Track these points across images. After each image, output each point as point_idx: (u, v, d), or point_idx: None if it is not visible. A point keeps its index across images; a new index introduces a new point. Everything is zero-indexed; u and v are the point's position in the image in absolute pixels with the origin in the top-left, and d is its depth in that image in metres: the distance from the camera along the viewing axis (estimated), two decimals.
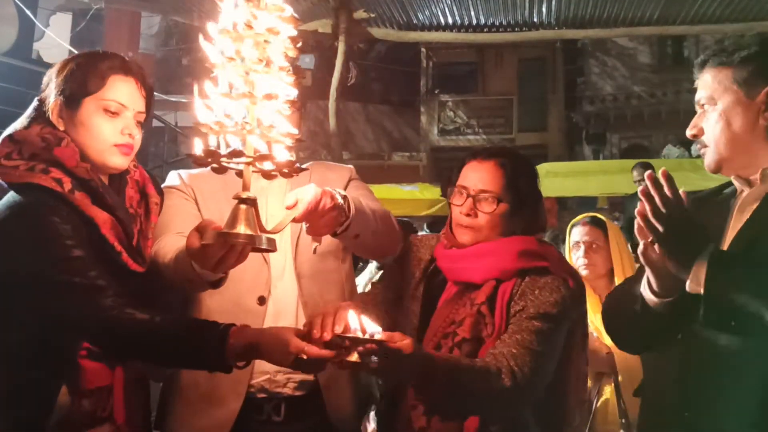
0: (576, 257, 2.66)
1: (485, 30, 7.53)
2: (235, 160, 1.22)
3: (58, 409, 1.54)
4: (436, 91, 14.79)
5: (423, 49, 14.22)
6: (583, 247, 2.61)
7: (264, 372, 1.73)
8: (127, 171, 1.63)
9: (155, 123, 8.01)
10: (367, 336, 1.34)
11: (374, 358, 1.35)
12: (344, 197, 1.52)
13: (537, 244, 1.69)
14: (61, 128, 1.52)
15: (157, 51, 8.97)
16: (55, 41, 7.89)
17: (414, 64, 14.74)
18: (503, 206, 1.67)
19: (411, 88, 14.85)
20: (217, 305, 1.75)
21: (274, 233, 1.34)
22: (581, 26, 7.14)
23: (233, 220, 1.25)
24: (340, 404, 1.80)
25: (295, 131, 1.26)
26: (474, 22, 7.45)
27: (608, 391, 2.62)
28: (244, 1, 1.23)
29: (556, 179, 9.09)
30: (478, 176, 1.69)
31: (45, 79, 1.57)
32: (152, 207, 1.66)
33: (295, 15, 1.28)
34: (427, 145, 14.53)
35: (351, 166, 2.05)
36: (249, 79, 1.24)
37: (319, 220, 1.46)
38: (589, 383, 2.69)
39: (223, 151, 1.22)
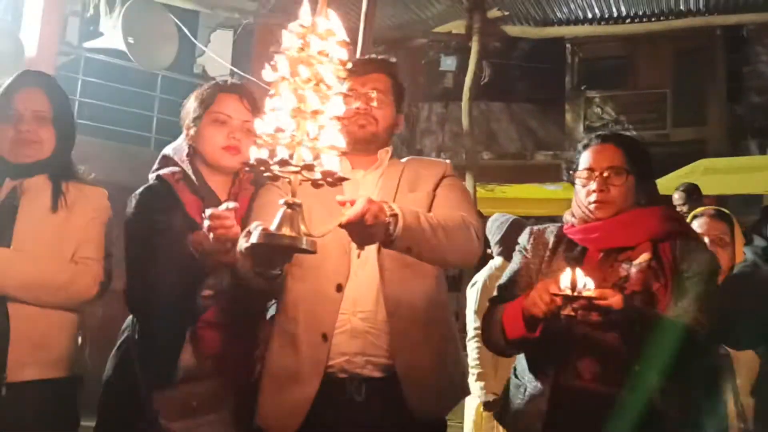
0: None
1: (628, 21, 7.26)
2: (282, 168, 1.39)
3: (182, 368, 1.96)
4: (582, 87, 14.31)
5: (568, 45, 13.81)
6: (708, 239, 2.51)
7: (342, 353, 1.87)
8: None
9: None
10: (577, 293, 1.63)
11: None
12: (394, 215, 1.63)
13: (674, 211, 1.98)
14: (188, 141, 2.10)
15: None
16: (220, 55, 8.58)
17: (559, 60, 14.36)
18: (631, 178, 1.92)
19: (556, 85, 14.49)
20: (301, 291, 1.93)
21: (320, 237, 1.50)
22: (734, 11, 6.69)
23: (280, 223, 1.43)
24: (418, 392, 1.87)
25: (342, 144, 1.42)
26: (616, 14, 7.20)
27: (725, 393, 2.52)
28: (300, 27, 1.39)
29: (715, 176, 8.53)
30: (601, 156, 1.96)
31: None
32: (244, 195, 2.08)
33: (347, 39, 1.43)
34: (572, 144, 14.11)
35: (447, 162, 2.12)
36: (300, 96, 1.41)
37: (361, 231, 1.57)
38: None
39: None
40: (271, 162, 1.40)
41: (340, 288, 1.89)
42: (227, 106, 2.07)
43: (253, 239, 1.49)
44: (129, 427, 2.00)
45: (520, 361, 2.09)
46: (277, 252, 1.55)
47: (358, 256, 1.82)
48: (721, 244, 2.55)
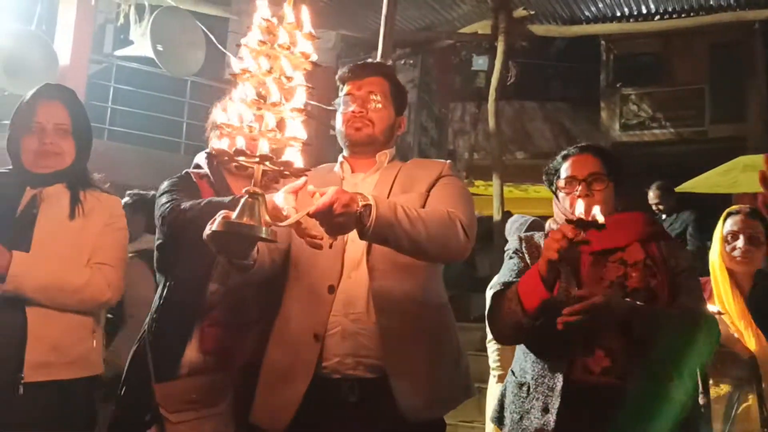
0: (733, 246, 2.60)
1: (657, 18, 7.15)
2: (241, 158, 1.41)
3: (187, 362, 2.06)
4: (617, 85, 14.09)
5: (602, 42, 13.61)
6: (743, 237, 2.56)
7: (334, 354, 1.89)
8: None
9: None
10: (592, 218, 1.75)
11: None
12: (367, 205, 1.64)
13: (652, 215, 1.97)
14: (209, 147, 2.28)
15: (334, 63, 9.50)
16: None
17: (593, 58, 14.16)
18: (611, 184, 2.04)
19: (591, 83, 14.30)
20: (295, 291, 1.98)
21: (285, 226, 1.53)
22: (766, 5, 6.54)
23: (240, 211, 1.46)
24: (410, 394, 1.88)
25: (302, 136, 1.44)
26: (645, 11, 7.10)
27: (751, 398, 2.48)
28: (263, 20, 1.42)
29: (755, 173, 8.24)
30: (583, 164, 2.07)
31: None
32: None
33: (313, 32, 1.44)
34: (607, 142, 13.89)
35: (447, 162, 2.13)
36: (261, 88, 1.43)
37: (330, 221, 1.58)
38: (729, 388, 2.54)
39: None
40: (227, 152, 1.43)
41: (332, 289, 1.92)
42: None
43: (213, 227, 1.52)
44: (138, 419, 2.08)
45: (519, 361, 2.13)
46: (238, 240, 1.56)
47: (330, 246, 1.83)
48: (755, 242, 2.57)
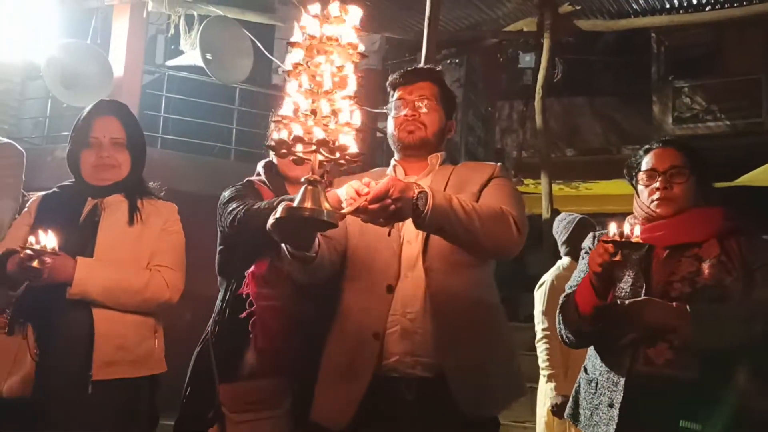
0: None
1: (708, 9, 6.97)
2: (298, 147, 1.46)
3: (248, 364, 2.14)
4: (669, 78, 13.77)
5: (653, 35, 13.32)
6: None
7: (393, 353, 1.93)
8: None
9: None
10: (625, 238, 1.78)
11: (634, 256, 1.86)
12: (423, 192, 1.68)
13: (736, 210, 2.04)
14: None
15: (380, 65, 9.55)
16: None
17: (644, 51, 13.87)
18: (692, 179, 2.05)
19: (642, 76, 14.00)
20: (354, 290, 2.02)
21: (346, 213, 1.57)
22: None
23: (301, 198, 1.50)
24: (466, 392, 1.91)
25: (356, 122, 1.48)
26: (696, 2, 6.94)
27: None
28: (312, 17, 1.47)
29: None
30: (665, 158, 2.08)
31: None
32: None
33: (357, 25, 1.48)
34: (660, 136, 13.60)
35: (498, 164, 2.15)
36: (313, 80, 1.48)
37: (387, 207, 1.62)
38: None
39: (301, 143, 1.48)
40: (288, 140, 1.47)
41: (390, 289, 1.96)
42: None
43: (277, 214, 1.57)
44: (202, 417, 2.15)
45: (591, 357, 2.15)
46: (301, 225, 1.61)
47: (389, 234, 1.88)
48: None
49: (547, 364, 3.70)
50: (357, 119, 1.52)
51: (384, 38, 8.97)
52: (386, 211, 1.64)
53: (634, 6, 7.07)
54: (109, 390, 2.12)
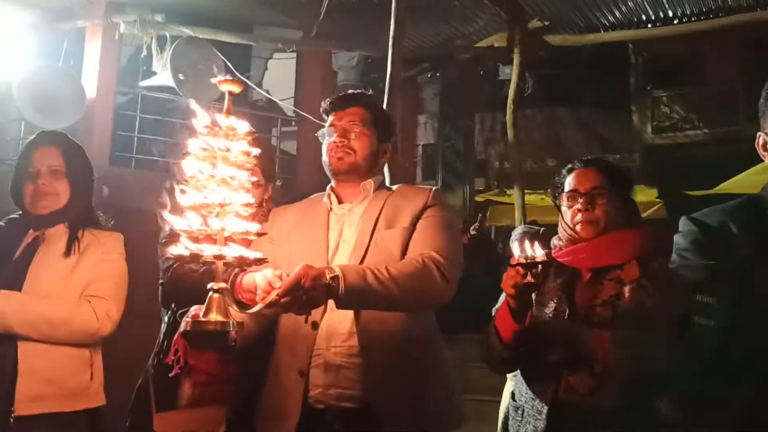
0: None
1: (676, 22, 7.08)
2: (198, 261, 1.49)
3: (185, 394, 2.13)
4: (648, 87, 13.90)
5: (630, 45, 13.45)
6: None
7: (317, 385, 1.95)
8: None
9: None
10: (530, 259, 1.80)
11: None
12: (335, 276, 1.71)
13: (658, 231, 2.05)
14: None
15: (358, 81, 9.62)
16: (283, 81, 8.86)
17: (623, 62, 13.99)
18: (613, 199, 2.04)
19: (621, 87, 14.12)
20: (284, 327, 2.03)
21: (256, 311, 1.59)
22: None
23: (207, 309, 1.52)
24: (394, 424, 1.91)
25: (253, 229, 1.51)
26: (662, 15, 7.04)
27: None
28: (204, 128, 1.49)
29: None
30: (585, 179, 2.07)
31: None
32: None
33: (253, 130, 1.52)
34: (640, 145, 13.71)
35: (433, 189, 2.16)
36: (207, 191, 1.51)
37: (300, 297, 1.66)
38: None
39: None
40: (185, 257, 1.50)
41: (315, 325, 1.97)
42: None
43: (182, 328, 1.59)
44: None
45: (518, 384, 2.14)
46: (207, 337, 1.59)
47: (306, 321, 1.91)
48: None
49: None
50: (254, 226, 1.53)
51: (361, 55, 9.04)
52: (299, 301, 1.66)
53: (604, 21, 7.17)
54: (36, 425, 2.11)
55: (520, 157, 6.82)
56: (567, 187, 2.10)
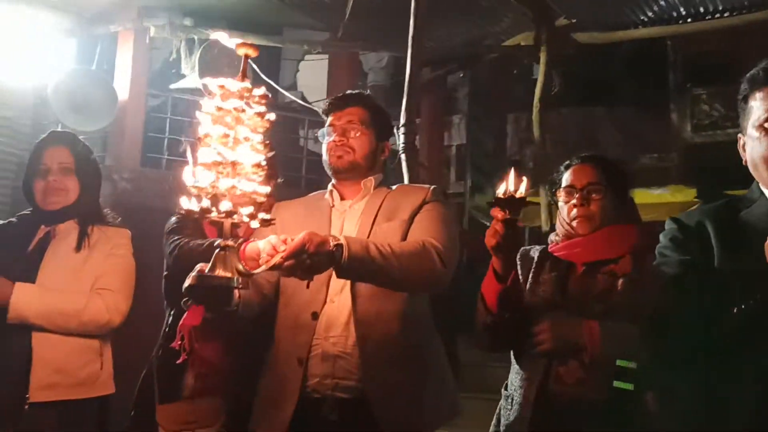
0: None
1: (708, 18, 6.92)
2: (207, 216, 1.54)
3: (187, 385, 2.25)
4: (687, 85, 13.61)
5: (669, 42, 13.19)
6: None
7: (314, 375, 2.00)
8: None
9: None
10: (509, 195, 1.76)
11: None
12: (339, 244, 1.75)
13: (651, 227, 2.08)
14: None
15: (388, 81, 9.65)
16: (316, 83, 8.92)
17: (662, 59, 13.73)
18: (609, 194, 2.09)
19: (660, 85, 13.86)
20: (282, 317, 2.08)
21: (257, 274, 1.63)
22: None
23: (213, 265, 1.57)
24: (389, 414, 1.97)
25: (263, 190, 1.55)
26: (693, 12, 6.89)
27: None
28: (219, 88, 1.54)
29: None
30: (582, 174, 2.11)
31: None
32: None
33: (268, 93, 1.56)
34: (679, 144, 13.43)
35: (431, 187, 2.21)
36: (222, 151, 1.55)
37: (303, 262, 1.68)
38: None
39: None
40: (194, 211, 1.56)
41: (315, 315, 2.04)
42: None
43: (188, 281, 1.65)
44: None
45: (511, 374, 2.16)
46: (212, 291, 1.68)
47: (307, 287, 1.95)
48: None
49: None
50: (263, 188, 1.60)
51: (391, 56, 9.07)
52: (302, 265, 1.71)
53: (634, 18, 7.04)
54: (49, 411, 2.22)
55: (546, 157, 6.75)
56: (564, 183, 2.15)
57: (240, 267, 1.63)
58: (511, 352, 2.17)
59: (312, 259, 1.72)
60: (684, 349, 1.51)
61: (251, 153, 1.59)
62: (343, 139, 2.19)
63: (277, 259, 1.69)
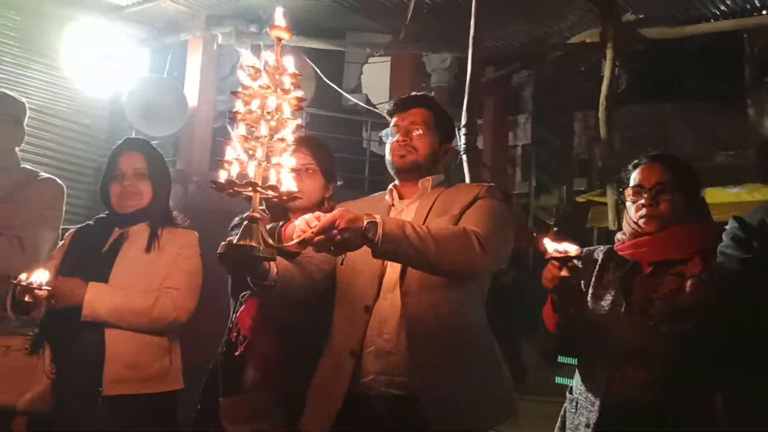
0: None
1: None
2: (237, 188, 1.60)
3: (248, 379, 2.30)
4: (765, 79, 13.04)
5: (745, 35, 12.66)
6: None
7: (369, 372, 2.03)
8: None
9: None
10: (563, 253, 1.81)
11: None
12: (372, 222, 1.76)
13: (721, 226, 2.00)
14: None
15: (451, 82, 9.63)
16: (378, 86, 9.01)
17: (736, 53, 13.20)
18: (678, 194, 2.05)
19: (735, 79, 13.33)
20: (338, 311, 2.13)
21: (291, 245, 1.68)
22: None
23: (241, 235, 1.63)
24: (438, 412, 1.97)
25: (289, 163, 1.60)
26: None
27: None
28: (251, 68, 1.59)
29: None
30: (651, 174, 2.09)
31: None
32: None
33: (297, 72, 1.60)
34: (755, 141, 12.87)
35: (486, 185, 2.20)
36: (252, 125, 1.61)
37: (334, 238, 1.71)
38: None
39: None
40: (222, 183, 1.62)
41: (368, 309, 2.06)
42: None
43: (218, 250, 1.71)
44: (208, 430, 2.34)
45: (575, 378, 2.15)
46: (239, 260, 1.72)
47: (341, 263, 1.96)
48: None
49: None
50: (290, 161, 1.65)
51: (453, 57, 9.05)
52: (332, 242, 1.74)
53: (705, 11, 6.83)
54: (121, 404, 2.33)
55: (613, 157, 6.61)
56: (632, 182, 2.12)
57: (267, 238, 1.67)
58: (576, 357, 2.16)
59: (342, 235, 1.74)
60: (747, 349, 1.47)
61: (279, 128, 1.64)
62: (407, 139, 2.21)
63: (308, 234, 1.73)
